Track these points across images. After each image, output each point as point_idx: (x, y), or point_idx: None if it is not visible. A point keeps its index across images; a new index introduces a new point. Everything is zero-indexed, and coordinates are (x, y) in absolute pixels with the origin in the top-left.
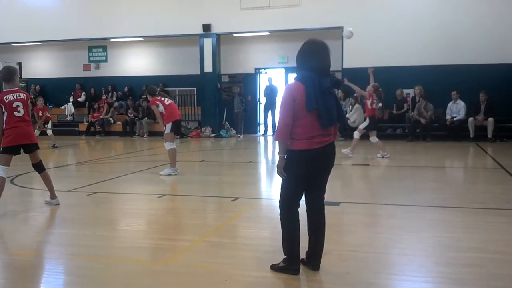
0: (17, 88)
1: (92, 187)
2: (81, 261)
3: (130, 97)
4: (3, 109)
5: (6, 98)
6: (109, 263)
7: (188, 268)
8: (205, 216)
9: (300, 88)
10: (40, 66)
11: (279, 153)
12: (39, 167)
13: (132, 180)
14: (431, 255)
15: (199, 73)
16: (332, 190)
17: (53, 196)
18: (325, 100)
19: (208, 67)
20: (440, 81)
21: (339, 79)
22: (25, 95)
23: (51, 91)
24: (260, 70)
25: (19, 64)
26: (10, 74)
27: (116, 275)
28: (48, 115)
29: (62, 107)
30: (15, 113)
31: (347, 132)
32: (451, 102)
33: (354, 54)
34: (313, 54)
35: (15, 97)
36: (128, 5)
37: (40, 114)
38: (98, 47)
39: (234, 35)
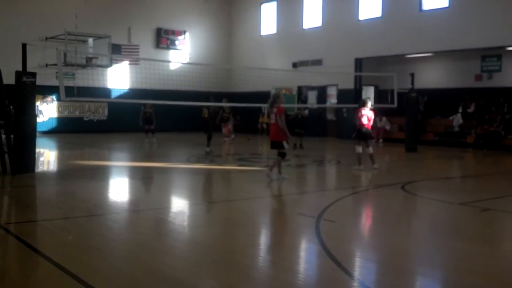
0: None
1: (484, 203)
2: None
3: None
4: None
5: None
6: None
7: None
8: None
9: None
10: (431, 77)
11: None
12: None
13: None
14: None
15: None
16: None
17: None
18: None
19: None
20: None
21: None
22: None
23: (439, 101)
24: None
25: (412, 74)
26: None
27: None
28: None
29: (451, 118)
30: None
31: None
32: None
33: None
34: None
35: None
36: None
37: None
38: (492, 56)
39: None
